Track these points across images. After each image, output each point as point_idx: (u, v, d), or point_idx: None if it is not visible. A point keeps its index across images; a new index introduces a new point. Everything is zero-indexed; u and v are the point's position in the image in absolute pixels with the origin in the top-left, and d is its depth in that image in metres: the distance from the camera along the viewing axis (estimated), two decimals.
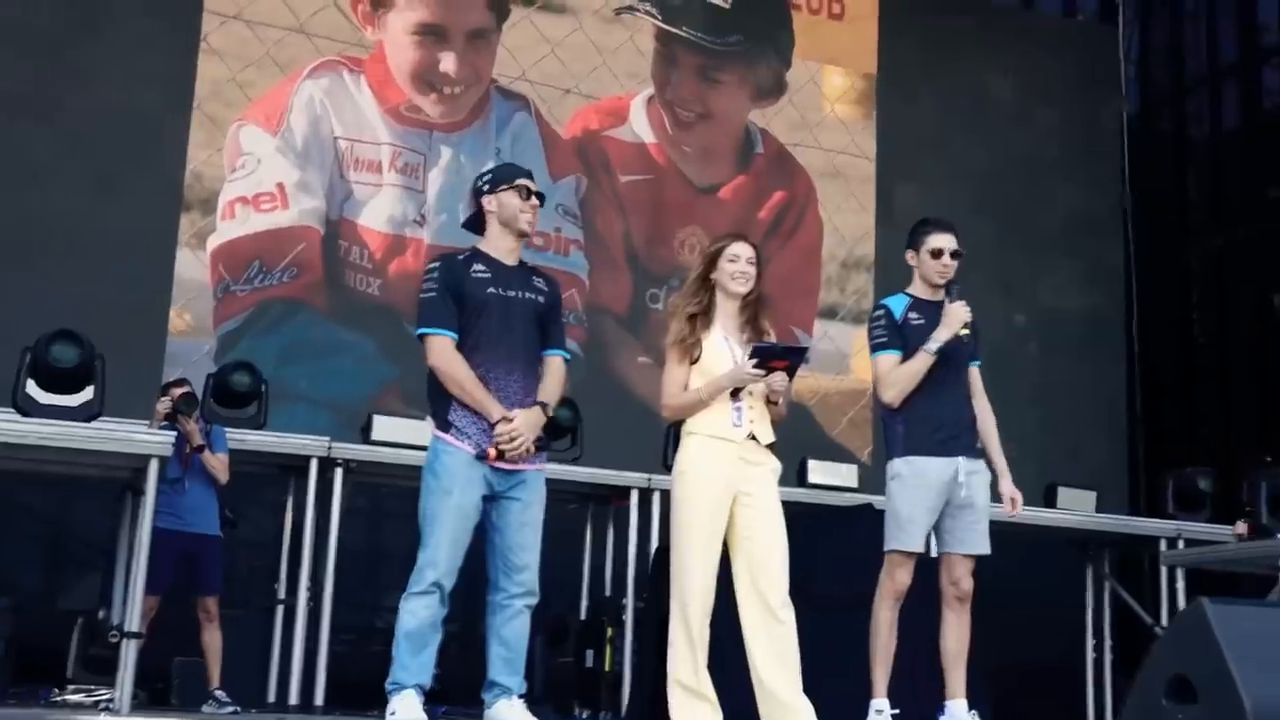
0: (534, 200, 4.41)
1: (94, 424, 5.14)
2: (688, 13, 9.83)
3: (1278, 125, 11.05)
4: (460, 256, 4.40)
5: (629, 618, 6.55)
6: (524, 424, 4.23)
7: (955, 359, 4.74)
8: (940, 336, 4.65)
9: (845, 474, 7.52)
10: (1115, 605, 8.08)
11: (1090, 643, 8.04)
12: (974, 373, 4.87)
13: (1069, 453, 9.33)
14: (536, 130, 9.27)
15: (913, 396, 4.70)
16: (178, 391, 6.19)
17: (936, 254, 4.78)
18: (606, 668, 6.51)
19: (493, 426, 4.19)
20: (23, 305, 7.24)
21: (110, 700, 5.09)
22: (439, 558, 4.15)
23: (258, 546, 7.37)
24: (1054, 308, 10.47)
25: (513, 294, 4.34)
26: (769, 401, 4.41)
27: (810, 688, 4.27)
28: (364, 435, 6.58)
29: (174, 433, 5.69)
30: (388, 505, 8.51)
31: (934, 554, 4.90)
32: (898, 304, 4.81)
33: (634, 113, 9.62)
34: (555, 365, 4.45)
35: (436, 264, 4.37)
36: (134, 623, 5.01)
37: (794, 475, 7.00)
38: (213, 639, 6.18)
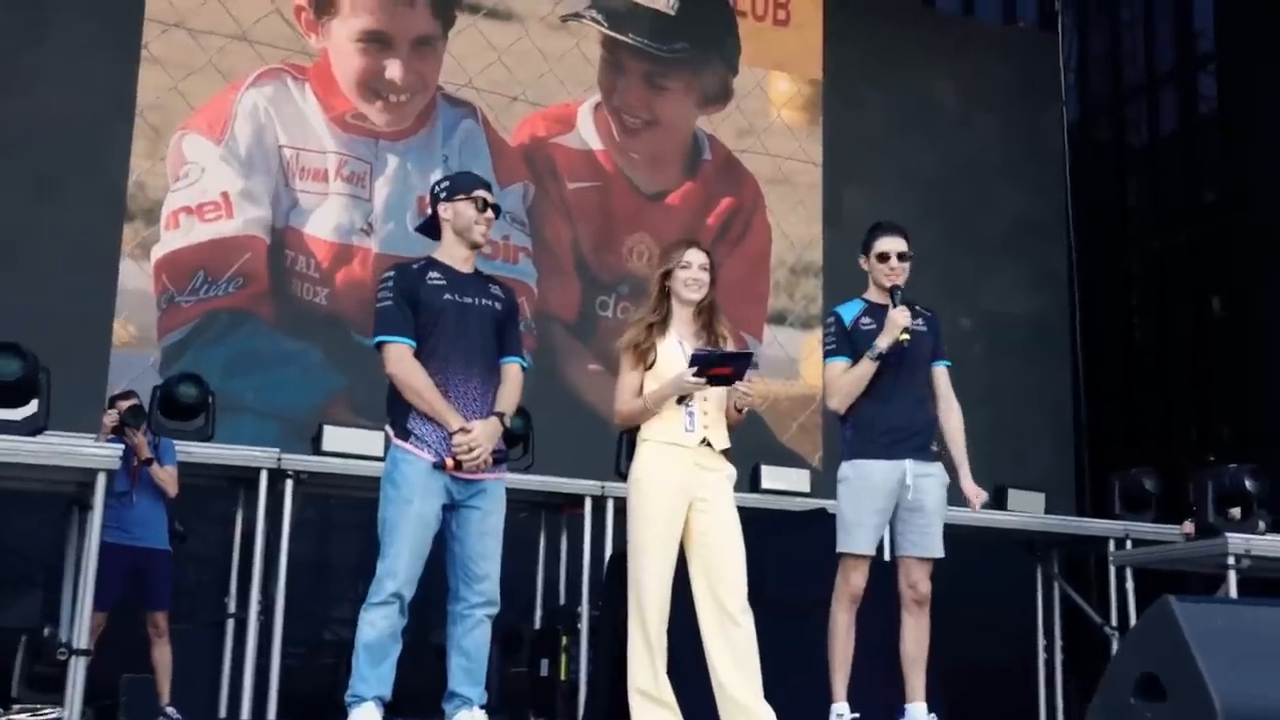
0: (489, 213, 4.40)
1: (39, 438, 5.03)
2: (634, 20, 9.83)
3: (1214, 130, 11.23)
4: (415, 265, 4.38)
5: (584, 626, 6.53)
6: (482, 434, 4.21)
7: (908, 363, 4.76)
8: (880, 344, 4.69)
9: (797, 479, 7.59)
10: (1065, 606, 8.16)
11: (1041, 643, 8.10)
12: (939, 373, 4.89)
13: (1016, 455, 9.39)
14: (484, 137, 9.22)
15: (860, 401, 4.75)
16: (125, 404, 6.11)
17: (883, 257, 4.83)
18: (562, 676, 6.49)
19: (451, 436, 4.17)
20: None
21: (58, 719, 5.00)
22: (398, 567, 4.11)
23: (207, 560, 7.29)
24: (999, 311, 10.54)
25: (469, 300, 4.32)
26: (738, 409, 4.41)
27: (770, 693, 4.27)
28: (314, 445, 6.51)
29: (122, 446, 5.60)
30: (336, 516, 8.44)
31: (887, 557, 4.92)
32: (850, 310, 4.86)
33: (581, 120, 9.60)
34: (513, 373, 4.43)
35: (391, 272, 4.36)
36: (82, 640, 4.92)
37: (747, 481, 7.02)
38: (162, 654, 6.10)
